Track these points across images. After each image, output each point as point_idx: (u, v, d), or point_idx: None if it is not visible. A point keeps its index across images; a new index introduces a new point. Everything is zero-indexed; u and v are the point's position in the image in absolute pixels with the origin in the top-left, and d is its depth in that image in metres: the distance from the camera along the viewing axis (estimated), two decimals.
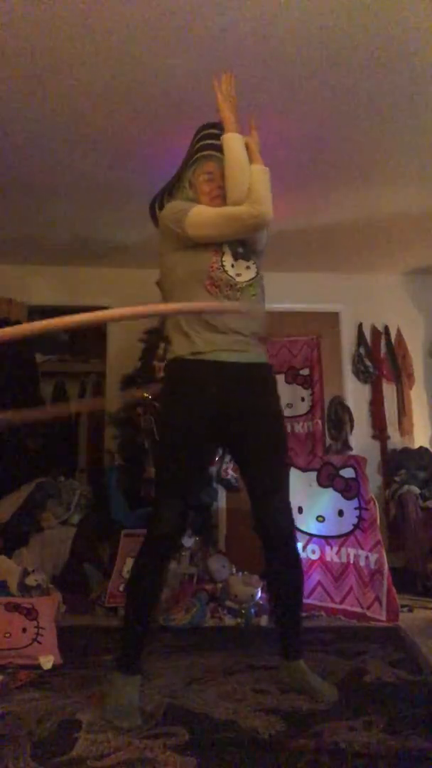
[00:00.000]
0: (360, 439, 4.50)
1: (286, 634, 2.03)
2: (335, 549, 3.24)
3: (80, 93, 2.56)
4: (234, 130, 2.00)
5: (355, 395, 4.65)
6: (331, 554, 3.24)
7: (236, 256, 2.00)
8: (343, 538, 3.24)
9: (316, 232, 4.02)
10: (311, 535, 3.31)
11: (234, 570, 3.38)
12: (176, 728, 1.67)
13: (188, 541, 3.39)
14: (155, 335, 3.84)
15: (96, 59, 2.35)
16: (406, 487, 4.01)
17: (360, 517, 3.22)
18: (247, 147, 2.01)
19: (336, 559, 3.22)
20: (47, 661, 2.26)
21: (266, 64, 2.39)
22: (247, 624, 2.90)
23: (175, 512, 1.87)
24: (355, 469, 3.34)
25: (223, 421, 1.91)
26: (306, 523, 3.33)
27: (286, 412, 4.34)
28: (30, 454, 3.98)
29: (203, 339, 1.90)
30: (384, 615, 2.95)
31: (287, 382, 4.39)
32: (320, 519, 3.31)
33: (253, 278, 2.00)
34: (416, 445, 4.48)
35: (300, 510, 3.34)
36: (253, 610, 2.97)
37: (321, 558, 3.25)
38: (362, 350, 4.69)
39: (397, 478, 4.16)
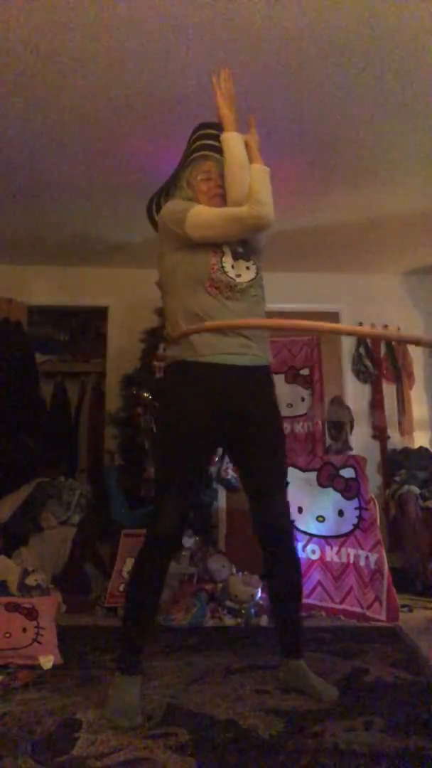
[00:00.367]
0: (360, 439, 4.50)
1: (285, 633, 2.03)
2: (335, 549, 3.24)
3: (81, 93, 2.55)
4: (233, 128, 1.98)
5: (355, 395, 4.65)
6: (331, 554, 3.24)
7: (236, 256, 1.99)
8: (343, 538, 3.24)
9: (316, 232, 4.02)
10: (311, 535, 3.31)
11: (234, 570, 3.38)
12: (176, 728, 1.67)
13: (188, 541, 3.39)
14: (155, 335, 3.84)
15: (97, 60, 2.35)
16: (406, 487, 4.01)
17: (360, 517, 3.22)
18: (247, 146, 1.99)
19: (336, 559, 3.23)
20: (47, 661, 2.26)
21: (265, 64, 2.39)
22: (247, 624, 2.90)
23: (176, 512, 1.87)
24: (355, 469, 3.34)
25: (223, 422, 1.91)
26: (306, 523, 3.33)
27: (286, 412, 4.34)
28: (30, 454, 3.98)
29: (205, 341, 1.89)
30: (384, 615, 2.95)
31: (287, 382, 4.39)
32: (320, 519, 3.31)
33: (253, 279, 1.99)
34: (416, 445, 4.48)
35: (300, 510, 3.35)
36: (253, 610, 2.97)
37: (321, 558, 3.26)
38: (362, 350, 4.69)
39: (397, 478, 4.16)
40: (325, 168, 3.22)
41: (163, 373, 2.20)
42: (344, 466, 3.37)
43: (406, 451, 4.38)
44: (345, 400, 4.55)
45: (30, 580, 2.67)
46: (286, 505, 2.03)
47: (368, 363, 4.65)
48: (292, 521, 3.29)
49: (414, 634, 2.68)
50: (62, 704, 1.87)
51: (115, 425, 3.91)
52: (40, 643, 2.32)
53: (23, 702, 1.91)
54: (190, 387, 1.91)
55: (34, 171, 3.20)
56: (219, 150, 2.03)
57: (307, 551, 3.27)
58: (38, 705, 1.87)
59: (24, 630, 2.33)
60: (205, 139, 2.10)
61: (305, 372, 4.39)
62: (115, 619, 2.95)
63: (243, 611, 2.96)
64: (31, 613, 2.38)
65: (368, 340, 4.71)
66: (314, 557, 3.26)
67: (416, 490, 3.98)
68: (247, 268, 2.00)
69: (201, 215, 1.93)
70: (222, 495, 4.14)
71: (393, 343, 4.71)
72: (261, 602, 3.02)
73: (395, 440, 4.56)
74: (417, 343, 1.92)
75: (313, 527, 3.32)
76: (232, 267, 1.96)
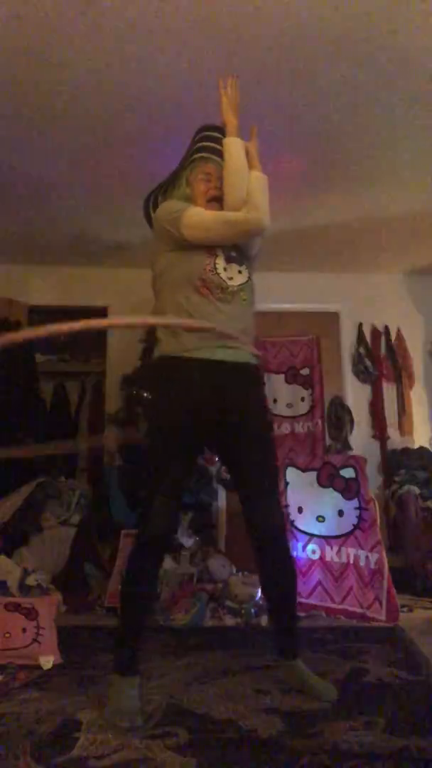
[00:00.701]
0: (360, 439, 4.50)
1: (281, 633, 2.03)
2: (335, 549, 3.24)
3: (81, 93, 2.56)
4: (235, 134, 2.02)
5: (355, 395, 4.65)
6: (331, 554, 3.24)
7: (229, 260, 2.01)
8: (343, 538, 3.24)
9: (316, 232, 4.01)
10: (311, 535, 3.31)
11: (234, 570, 3.38)
12: (176, 728, 1.67)
13: (188, 541, 3.39)
14: (155, 335, 3.83)
15: (98, 60, 2.35)
16: (406, 487, 4.01)
17: (360, 517, 3.22)
18: (247, 153, 2.03)
19: (336, 559, 3.22)
20: (47, 661, 2.26)
21: (265, 64, 2.39)
22: (247, 624, 2.90)
23: (166, 512, 1.87)
24: (355, 469, 3.34)
25: (211, 418, 1.91)
26: (306, 523, 3.33)
27: (287, 412, 4.35)
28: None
29: (192, 337, 1.90)
30: (384, 615, 2.95)
31: (287, 382, 4.39)
32: (320, 519, 3.31)
33: (244, 283, 2.02)
34: (416, 445, 4.48)
35: (300, 510, 3.35)
36: (253, 610, 2.97)
37: (321, 558, 3.25)
38: (362, 350, 4.69)
39: (397, 478, 4.16)
40: (325, 167, 3.22)
41: (153, 367, 2.20)
42: (344, 466, 3.37)
43: (406, 451, 4.38)
44: (345, 400, 4.57)
45: (30, 580, 2.67)
46: (277, 504, 2.02)
47: (368, 363, 4.65)
48: (292, 521, 3.32)
49: (414, 634, 2.68)
50: (62, 704, 1.87)
51: (115, 425, 3.91)
52: (40, 643, 2.32)
53: (23, 702, 1.90)
54: (177, 383, 1.92)
55: (34, 171, 3.20)
56: (221, 153, 2.06)
57: (307, 551, 3.27)
58: (38, 705, 1.87)
59: (24, 630, 2.33)
60: (208, 141, 2.13)
61: (305, 372, 4.39)
62: (115, 619, 2.94)
63: (243, 611, 2.96)
64: (31, 613, 2.38)
65: (368, 340, 4.71)
66: (314, 557, 3.26)
67: (416, 490, 3.98)
68: (240, 272, 2.02)
69: (196, 217, 1.95)
70: (222, 495, 4.14)
71: (394, 342, 4.71)
72: (261, 602, 3.02)
73: (395, 440, 4.56)
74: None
75: (313, 527, 3.31)
76: (225, 269, 1.98)
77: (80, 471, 4.65)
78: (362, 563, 3.14)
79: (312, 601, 3.14)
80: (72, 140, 2.92)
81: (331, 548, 3.25)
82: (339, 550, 3.23)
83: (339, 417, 4.45)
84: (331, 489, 3.34)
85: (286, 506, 3.33)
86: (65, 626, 2.63)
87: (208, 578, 3.27)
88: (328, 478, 3.37)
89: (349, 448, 4.37)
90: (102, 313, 4.70)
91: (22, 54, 2.32)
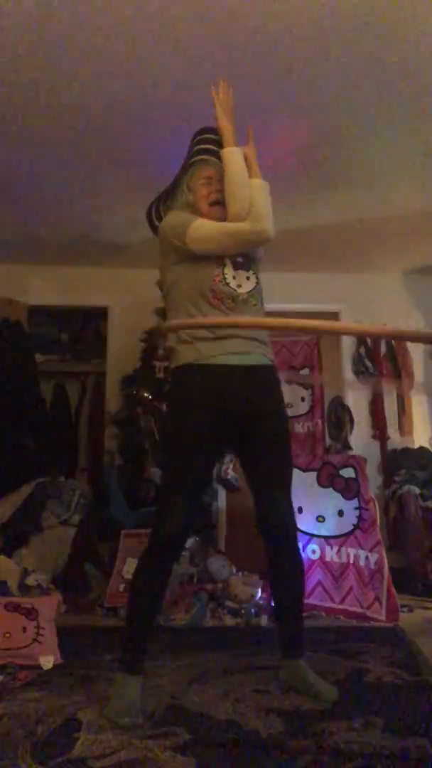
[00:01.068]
0: (360, 439, 4.50)
1: (286, 632, 2.03)
2: (335, 549, 3.24)
3: (81, 93, 2.56)
4: (232, 141, 2.02)
5: (355, 395, 4.65)
6: (331, 554, 3.24)
7: (236, 267, 2.03)
8: (343, 538, 3.24)
9: (317, 233, 4.01)
10: (311, 535, 3.31)
11: (234, 570, 3.38)
12: (176, 728, 1.67)
13: (188, 541, 3.39)
14: (155, 335, 3.84)
15: (98, 60, 2.35)
16: (406, 487, 4.01)
17: (360, 517, 3.23)
18: (246, 159, 2.03)
19: (336, 559, 3.22)
20: (47, 661, 2.25)
21: (264, 64, 2.39)
22: (247, 624, 2.90)
23: (183, 513, 1.88)
24: (355, 469, 3.34)
25: (230, 422, 1.94)
26: (306, 523, 3.33)
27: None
28: (30, 454, 3.98)
29: (207, 345, 1.93)
30: (384, 615, 2.95)
31: (287, 382, 4.39)
32: (320, 519, 3.31)
33: (253, 288, 2.04)
34: (416, 445, 4.48)
35: (300, 510, 3.35)
36: (253, 610, 2.97)
37: (321, 558, 3.26)
38: (362, 350, 4.69)
39: (397, 478, 4.16)
40: (325, 167, 3.22)
41: (170, 377, 2.23)
42: (344, 466, 3.37)
43: (406, 451, 4.38)
44: (345, 400, 4.56)
45: (30, 580, 2.68)
46: (291, 504, 2.04)
47: (368, 363, 4.65)
48: (296, 520, 3.31)
49: (414, 634, 2.68)
50: (62, 704, 1.87)
51: (115, 425, 3.91)
52: (40, 643, 2.32)
53: (23, 702, 1.90)
54: (197, 389, 1.93)
55: (34, 171, 3.20)
56: (219, 155, 2.06)
57: (307, 551, 3.27)
58: (38, 705, 1.87)
59: (24, 630, 2.33)
60: (207, 144, 2.13)
61: (305, 372, 4.39)
62: (115, 619, 2.95)
63: (243, 611, 2.96)
64: (31, 613, 2.38)
65: (368, 340, 4.71)
66: (314, 557, 3.26)
67: (416, 490, 3.98)
68: (248, 278, 2.04)
69: (202, 229, 1.96)
70: (222, 495, 4.14)
71: (393, 342, 4.71)
72: (261, 602, 3.02)
73: (395, 440, 4.56)
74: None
75: (313, 527, 3.32)
76: (234, 278, 2.00)
77: (80, 471, 4.65)
78: (362, 563, 3.14)
79: (312, 601, 3.14)
80: (72, 140, 2.91)
81: (331, 548, 3.25)
82: (339, 550, 3.23)
83: (339, 417, 4.45)
84: (331, 489, 3.35)
85: None
86: (65, 626, 2.63)
87: (208, 578, 3.27)
88: (328, 478, 3.37)
89: (349, 448, 4.36)
90: (102, 313, 4.71)
91: (22, 54, 2.32)
